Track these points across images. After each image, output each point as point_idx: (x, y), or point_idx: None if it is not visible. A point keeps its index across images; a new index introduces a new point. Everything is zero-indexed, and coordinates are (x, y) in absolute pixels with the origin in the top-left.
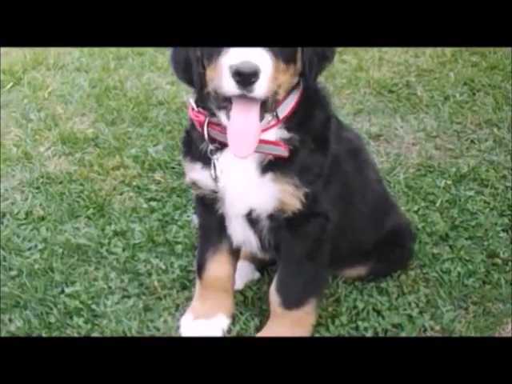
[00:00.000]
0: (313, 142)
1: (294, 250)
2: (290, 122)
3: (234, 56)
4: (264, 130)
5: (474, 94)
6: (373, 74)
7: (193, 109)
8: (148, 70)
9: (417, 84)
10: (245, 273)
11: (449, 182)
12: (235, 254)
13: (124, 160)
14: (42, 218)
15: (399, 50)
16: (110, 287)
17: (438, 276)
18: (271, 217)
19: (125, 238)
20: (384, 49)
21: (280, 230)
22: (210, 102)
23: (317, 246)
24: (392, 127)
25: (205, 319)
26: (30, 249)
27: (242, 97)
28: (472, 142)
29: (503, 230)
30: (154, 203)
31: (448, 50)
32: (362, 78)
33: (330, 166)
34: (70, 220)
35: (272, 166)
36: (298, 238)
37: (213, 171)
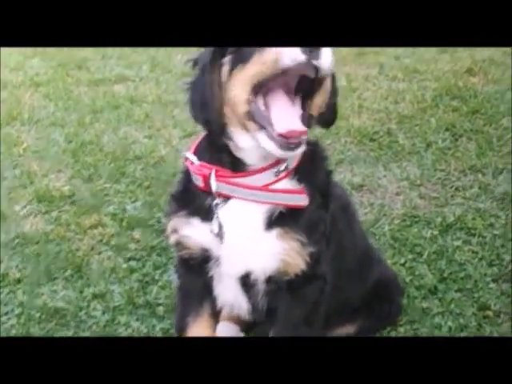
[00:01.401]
0: (319, 196)
1: (292, 313)
2: (298, 174)
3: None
4: (276, 181)
5: (456, 140)
6: (353, 121)
7: (192, 163)
8: (124, 123)
9: (398, 131)
10: (229, 334)
11: (435, 233)
12: (216, 316)
13: (101, 218)
14: (19, 281)
15: (378, 96)
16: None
17: (428, 332)
18: (269, 280)
19: (104, 301)
20: (363, 96)
21: (277, 293)
22: (221, 145)
23: (315, 310)
24: (375, 177)
25: None
26: (6, 313)
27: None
28: (457, 189)
29: (493, 281)
30: (133, 263)
31: (428, 95)
32: (342, 127)
33: (330, 224)
34: (47, 282)
35: (279, 220)
36: (297, 301)
37: (215, 226)
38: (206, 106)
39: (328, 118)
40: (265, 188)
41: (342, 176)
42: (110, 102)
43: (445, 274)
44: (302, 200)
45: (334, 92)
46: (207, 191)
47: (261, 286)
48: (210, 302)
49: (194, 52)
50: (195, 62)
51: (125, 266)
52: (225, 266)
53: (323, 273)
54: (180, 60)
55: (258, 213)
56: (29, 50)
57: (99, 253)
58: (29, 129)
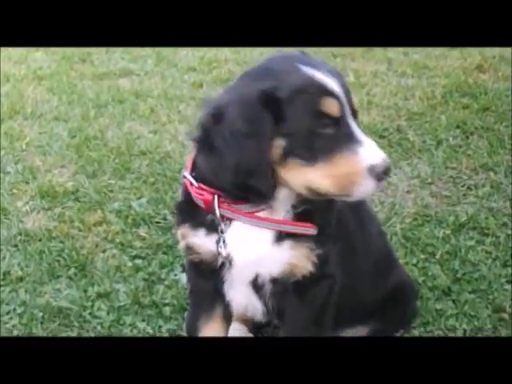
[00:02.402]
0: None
1: (300, 314)
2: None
3: (371, 155)
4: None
5: (467, 138)
6: (362, 118)
7: (191, 184)
8: (129, 118)
9: (408, 128)
10: (238, 335)
11: (448, 232)
12: (228, 318)
13: (106, 215)
14: (21, 279)
15: (388, 92)
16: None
17: (443, 334)
18: (275, 281)
19: (109, 300)
20: (372, 92)
21: (284, 294)
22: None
23: (324, 310)
24: None
25: None
26: (8, 313)
27: None
28: (468, 188)
29: (507, 282)
30: (138, 261)
31: (438, 92)
32: None
33: (336, 225)
34: (51, 281)
35: (288, 234)
36: (306, 301)
37: (221, 248)
38: (259, 174)
39: None
40: (271, 220)
41: None
42: (114, 96)
43: (458, 275)
44: (309, 231)
45: None
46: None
47: (267, 287)
48: (221, 305)
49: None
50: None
51: (130, 264)
52: (235, 271)
53: (332, 273)
54: (185, 54)
55: (268, 231)
56: None
57: (104, 251)
58: (32, 123)
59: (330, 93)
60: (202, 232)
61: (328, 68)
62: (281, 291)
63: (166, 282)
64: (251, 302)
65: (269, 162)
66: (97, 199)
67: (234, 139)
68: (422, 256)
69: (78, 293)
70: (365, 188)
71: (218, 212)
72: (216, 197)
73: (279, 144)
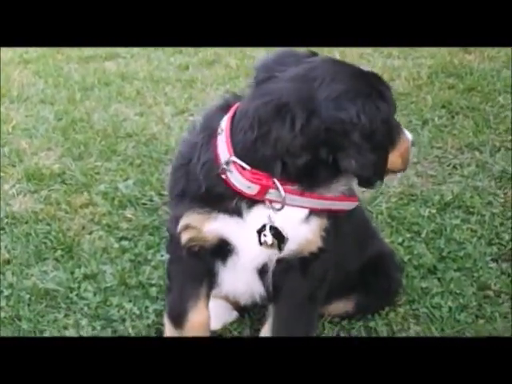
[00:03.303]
0: None
1: (299, 290)
2: None
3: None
4: None
5: (452, 117)
6: None
7: (243, 168)
8: (115, 100)
9: None
10: (222, 312)
11: (433, 211)
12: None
13: (92, 197)
14: (8, 262)
15: None
16: (81, 336)
17: (428, 312)
18: (280, 260)
19: (95, 282)
20: None
21: (286, 271)
22: None
23: (320, 285)
24: None
25: None
26: None
27: None
28: (454, 167)
29: (492, 260)
30: (125, 242)
31: (424, 72)
32: None
33: None
34: (37, 263)
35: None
36: (307, 277)
37: (269, 238)
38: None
39: None
40: (327, 197)
41: None
42: (100, 79)
43: (444, 253)
44: (354, 205)
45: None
46: (254, 198)
47: (271, 268)
48: (208, 286)
49: None
50: None
51: (116, 245)
52: (245, 257)
53: (330, 247)
54: None
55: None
56: None
57: (90, 232)
58: (18, 106)
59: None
60: (222, 218)
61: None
62: (283, 269)
63: (153, 263)
64: (252, 288)
65: None
66: (83, 181)
67: None
68: (408, 235)
69: (64, 274)
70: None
71: (282, 193)
72: (277, 182)
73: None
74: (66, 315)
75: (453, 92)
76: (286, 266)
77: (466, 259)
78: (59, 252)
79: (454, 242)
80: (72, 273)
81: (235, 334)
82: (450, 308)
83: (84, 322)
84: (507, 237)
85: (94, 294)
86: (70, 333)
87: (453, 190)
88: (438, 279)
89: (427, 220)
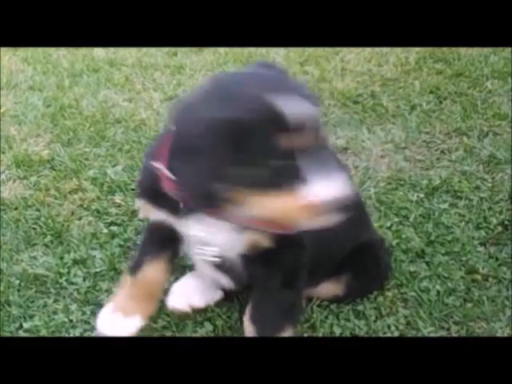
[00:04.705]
0: None
1: (269, 279)
2: None
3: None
4: None
5: (440, 103)
6: (336, 84)
7: (169, 179)
8: (104, 86)
9: (382, 94)
10: (205, 290)
11: (421, 196)
12: (173, 263)
13: (82, 183)
14: None
15: (362, 59)
16: (71, 320)
17: (416, 296)
18: (243, 256)
19: (85, 267)
20: (346, 58)
21: (253, 263)
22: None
23: (293, 273)
24: (359, 139)
25: (123, 315)
26: None
27: None
28: (442, 152)
29: (480, 244)
30: (114, 228)
31: (412, 58)
32: (326, 90)
33: None
34: (27, 249)
35: None
36: (273, 268)
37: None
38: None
39: None
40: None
41: None
42: (89, 65)
43: (432, 237)
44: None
45: None
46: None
47: (236, 261)
48: (171, 248)
49: None
50: None
51: (106, 231)
52: (194, 250)
53: (296, 240)
54: None
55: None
56: None
57: (79, 218)
58: (7, 93)
59: (289, 125)
60: (165, 212)
61: (301, 95)
62: (249, 261)
63: (138, 246)
64: (215, 275)
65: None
66: (72, 167)
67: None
68: (396, 219)
69: (54, 260)
70: (304, 224)
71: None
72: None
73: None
74: (55, 300)
75: (441, 77)
76: (249, 260)
77: (454, 243)
78: (49, 237)
79: (442, 226)
80: (61, 258)
81: (224, 317)
82: (438, 292)
83: (74, 307)
84: (495, 221)
85: (84, 279)
86: (60, 317)
87: (441, 175)
88: (427, 263)
89: (415, 204)
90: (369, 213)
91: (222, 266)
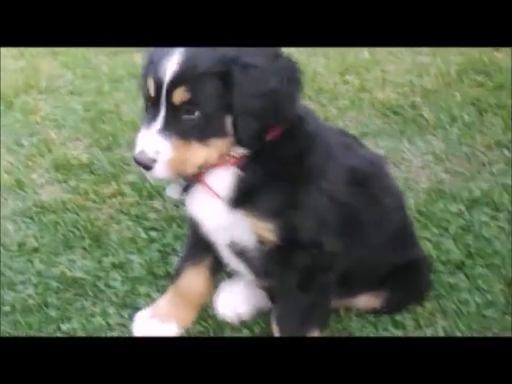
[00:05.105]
0: (281, 173)
1: (285, 280)
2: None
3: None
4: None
5: (481, 115)
6: (376, 94)
7: None
8: None
9: (422, 105)
10: (257, 300)
11: (461, 208)
12: (217, 273)
13: (121, 187)
14: (36, 250)
15: (402, 69)
16: (108, 324)
17: (455, 307)
18: (258, 249)
19: (123, 271)
20: (387, 69)
21: (269, 259)
22: None
23: (309, 277)
24: (399, 150)
25: (159, 321)
26: (23, 282)
27: None
28: (483, 164)
29: None
30: (153, 233)
31: (453, 70)
32: (366, 100)
33: (317, 197)
34: (65, 251)
35: (242, 201)
36: (286, 269)
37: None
38: None
39: None
40: None
41: None
42: (129, 71)
43: (472, 249)
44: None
45: None
46: None
47: (252, 253)
48: (212, 257)
49: None
50: None
51: (144, 235)
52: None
53: (309, 241)
54: None
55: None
56: None
57: (118, 222)
58: (46, 97)
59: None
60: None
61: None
62: (266, 257)
63: (180, 254)
64: (236, 264)
65: None
66: (111, 171)
67: None
68: (436, 231)
69: (92, 263)
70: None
71: None
72: None
73: None
74: (93, 303)
75: (482, 89)
76: (265, 255)
77: (494, 256)
78: (87, 241)
79: (483, 239)
80: (100, 262)
81: (262, 324)
82: (478, 304)
83: (111, 310)
84: None
85: (122, 283)
86: (98, 320)
87: (481, 187)
88: (466, 275)
89: (455, 216)
90: (415, 232)
91: (242, 256)
